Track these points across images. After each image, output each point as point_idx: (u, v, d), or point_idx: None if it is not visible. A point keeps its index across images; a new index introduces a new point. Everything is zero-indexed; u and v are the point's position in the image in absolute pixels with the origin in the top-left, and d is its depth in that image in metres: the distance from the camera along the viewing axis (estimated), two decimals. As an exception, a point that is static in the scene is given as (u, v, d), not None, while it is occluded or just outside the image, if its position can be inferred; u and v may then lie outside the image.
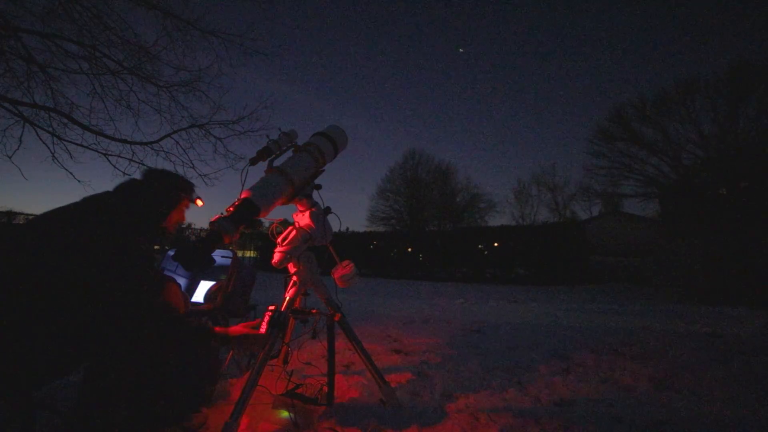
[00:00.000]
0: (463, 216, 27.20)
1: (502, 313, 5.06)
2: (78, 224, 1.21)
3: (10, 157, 4.64)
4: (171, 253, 2.46)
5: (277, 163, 1.71)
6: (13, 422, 1.24)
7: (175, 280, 1.71)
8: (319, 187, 1.85)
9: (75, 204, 1.29)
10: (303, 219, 1.83)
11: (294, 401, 1.71)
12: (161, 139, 5.71)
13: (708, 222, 7.09)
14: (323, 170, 1.90)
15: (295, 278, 1.81)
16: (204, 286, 2.52)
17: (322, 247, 1.90)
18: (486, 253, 11.99)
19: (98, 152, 5.23)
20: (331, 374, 1.76)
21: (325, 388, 1.75)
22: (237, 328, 1.54)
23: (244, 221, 1.43)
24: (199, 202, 1.58)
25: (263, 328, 1.61)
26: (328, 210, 1.88)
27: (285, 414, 1.67)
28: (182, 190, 1.49)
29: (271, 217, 1.66)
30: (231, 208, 1.45)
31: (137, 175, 1.50)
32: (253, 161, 1.66)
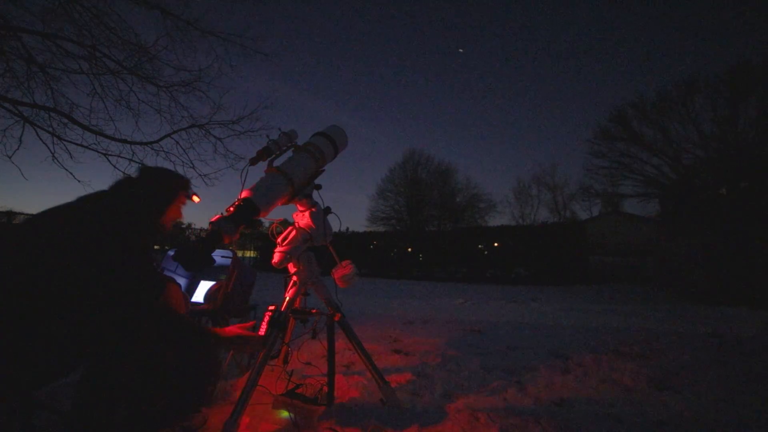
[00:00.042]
0: (463, 216, 27.19)
1: (502, 313, 5.06)
2: (76, 223, 1.21)
3: (10, 157, 4.65)
4: (171, 253, 2.46)
5: (277, 163, 1.71)
6: (13, 422, 1.24)
7: (175, 281, 1.71)
8: (319, 187, 1.85)
9: (70, 204, 1.28)
10: (303, 219, 1.83)
11: (294, 401, 1.71)
12: (161, 139, 5.72)
13: (708, 222, 7.09)
14: (323, 170, 1.90)
15: (295, 278, 1.81)
16: (204, 286, 2.52)
17: (322, 247, 1.90)
18: (486, 253, 12.00)
19: (98, 152, 5.24)
20: (331, 374, 1.76)
21: (325, 388, 1.75)
22: (232, 329, 1.54)
23: (244, 221, 1.43)
24: (196, 198, 1.58)
25: (263, 329, 1.61)
26: (328, 210, 1.88)
27: (285, 414, 1.67)
28: (178, 187, 1.49)
29: (271, 217, 1.66)
30: (231, 208, 1.45)
31: (133, 174, 1.50)
32: (253, 161, 1.66)
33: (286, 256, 1.74)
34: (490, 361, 2.65)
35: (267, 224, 1.80)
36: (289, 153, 1.80)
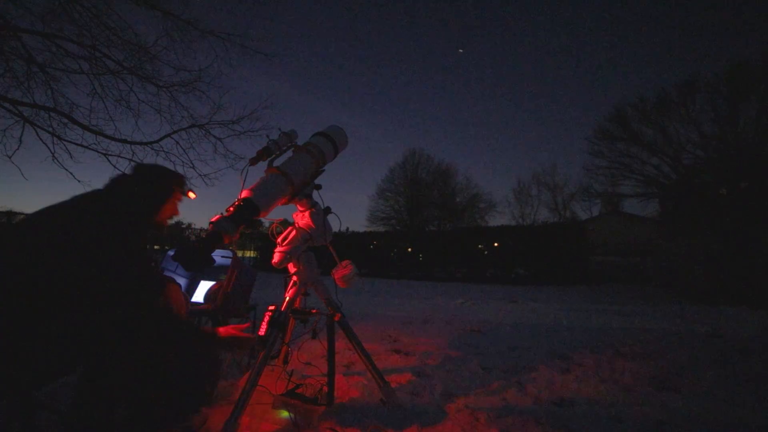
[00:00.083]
0: (463, 216, 27.19)
1: (502, 313, 5.06)
2: (74, 223, 1.21)
3: (10, 157, 4.65)
4: (171, 253, 2.46)
5: (277, 163, 1.71)
6: (13, 422, 1.25)
7: (175, 281, 1.71)
8: (319, 187, 1.85)
9: (65, 203, 1.28)
10: (303, 219, 1.83)
11: (294, 401, 1.71)
12: (161, 139, 5.72)
13: (708, 222, 7.10)
14: (323, 170, 1.90)
15: (295, 278, 1.81)
16: (204, 286, 2.52)
17: (322, 247, 1.90)
18: (486, 253, 12.00)
19: (98, 152, 5.24)
20: (331, 374, 1.76)
21: (325, 388, 1.75)
22: (226, 329, 1.54)
23: (244, 221, 1.43)
24: (192, 195, 1.58)
25: (263, 328, 1.61)
26: (328, 210, 1.88)
27: (285, 414, 1.67)
28: (173, 183, 1.48)
29: (271, 217, 1.66)
30: (231, 208, 1.45)
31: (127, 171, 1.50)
32: (253, 161, 1.66)
33: (286, 256, 1.75)
34: (490, 361, 2.65)
35: (267, 224, 1.80)
36: (289, 153, 1.80)
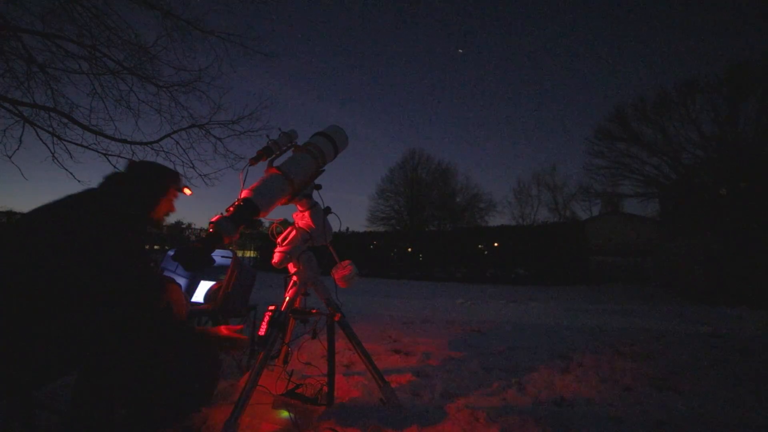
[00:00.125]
0: (463, 216, 27.20)
1: (502, 313, 5.06)
2: (72, 222, 1.21)
3: (10, 157, 4.65)
4: (171, 253, 2.46)
5: (277, 163, 1.71)
6: (13, 422, 1.25)
7: (174, 281, 1.71)
8: (319, 187, 1.85)
9: (60, 202, 1.27)
10: (303, 219, 1.83)
11: (294, 401, 1.71)
12: (161, 139, 5.72)
13: (708, 222, 7.10)
14: (323, 170, 1.90)
15: (295, 278, 1.81)
16: (204, 286, 2.52)
17: (322, 247, 1.90)
18: (486, 253, 12.00)
19: (98, 152, 5.23)
20: (331, 374, 1.76)
21: (325, 388, 1.75)
22: (220, 329, 1.54)
23: (244, 221, 1.43)
24: (187, 191, 1.58)
25: (263, 328, 1.61)
26: (328, 210, 1.88)
27: (285, 414, 1.67)
28: (168, 180, 1.48)
29: (271, 217, 1.66)
30: (231, 208, 1.45)
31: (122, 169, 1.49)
32: (253, 161, 1.66)
33: (286, 256, 1.74)
34: (490, 361, 2.65)
35: (267, 224, 1.80)
36: (289, 153, 1.80)
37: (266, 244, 13.55)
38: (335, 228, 1.95)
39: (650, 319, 4.56)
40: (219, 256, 2.45)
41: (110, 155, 5.29)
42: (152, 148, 5.65)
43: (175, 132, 5.77)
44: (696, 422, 1.72)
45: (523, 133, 57.86)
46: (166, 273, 2.39)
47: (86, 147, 5.15)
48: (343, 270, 1.88)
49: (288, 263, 1.78)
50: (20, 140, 4.70)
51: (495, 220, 27.88)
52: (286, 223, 1.85)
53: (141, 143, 5.55)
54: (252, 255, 16.46)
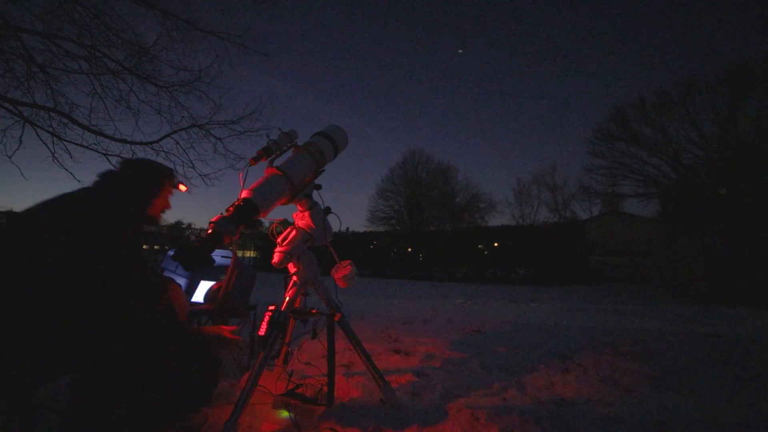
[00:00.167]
0: (463, 216, 27.19)
1: (502, 313, 5.06)
2: (71, 221, 1.20)
3: (10, 157, 4.65)
4: (171, 253, 2.46)
5: (277, 163, 1.71)
6: (13, 422, 1.24)
7: (174, 281, 1.71)
8: (319, 187, 1.85)
9: (53, 201, 1.26)
10: (303, 219, 1.83)
11: (294, 401, 1.71)
12: (161, 139, 5.72)
13: (708, 222, 7.09)
14: (323, 170, 1.90)
15: (295, 278, 1.81)
16: (204, 286, 2.52)
17: (322, 247, 1.90)
18: (486, 253, 11.99)
19: (98, 152, 5.23)
20: (331, 374, 1.76)
21: (325, 388, 1.75)
22: (214, 329, 1.55)
23: (244, 221, 1.43)
24: (182, 187, 1.58)
25: (263, 328, 1.61)
26: (328, 210, 1.88)
27: (285, 414, 1.67)
28: (163, 177, 1.48)
29: (271, 217, 1.66)
30: (231, 208, 1.45)
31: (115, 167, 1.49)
32: (254, 161, 1.66)
33: (286, 256, 1.75)
34: (490, 361, 2.65)
35: (267, 224, 1.80)
36: (289, 153, 1.80)
37: (266, 244, 13.54)
38: (335, 228, 1.95)
39: (650, 319, 4.56)
40: (219, 256, 2.44)
41: (110, 155, 5.29)
42: (152, 148, 5.66)
43: (175, 132, 5.77)
44: (696, 422, 1.72)
45: (523, 133, 57.85)
46: (166, 273, 2.39)
47: (86, 147, 5.15)
48: (343, 270, 1.88)
49: (288, 263, 1.78)
50: (20, 140, 4.70)
51: (495, 220, 27.88)
52: (286, 223, 1.85)
53: (141, 143, 5.55)
54: (252, 255, 16.45)
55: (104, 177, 1.40)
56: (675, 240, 7.91)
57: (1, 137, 4.66)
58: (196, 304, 2.41)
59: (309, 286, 1.84)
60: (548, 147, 56.24)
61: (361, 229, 19.84)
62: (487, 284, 10.38)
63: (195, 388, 1.67)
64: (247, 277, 2.40)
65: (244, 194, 1.51)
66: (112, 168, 1.46)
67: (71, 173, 5.00)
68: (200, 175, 5.88)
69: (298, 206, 1.82)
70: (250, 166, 1.65)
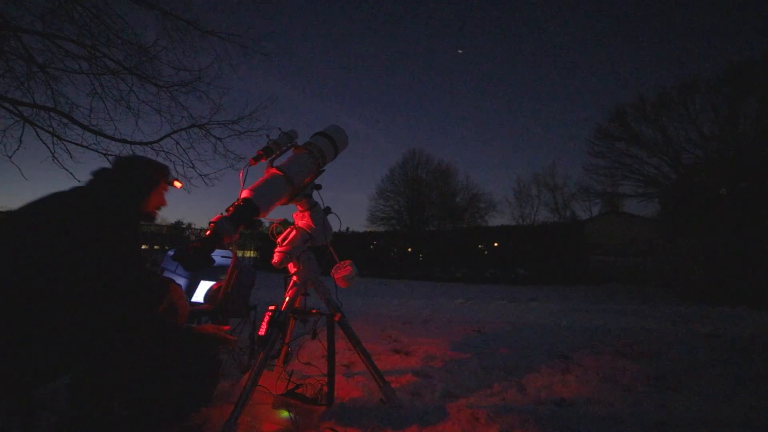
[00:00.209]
0: (463, 216, 27.18)
1: (502, 313, 5.06)
2: (69, 220, 1.20)
3: (10, 157, 4.65)
4: (171, 253, 2.46)
5: (277, 163, 1.71)
6: (13, 422, 1.24)
7: (174, 281, 1.71)
8: (319, 187, 1.86)
9: (47, 200, 1.25)
10: (303, 219, 1.83)
11: (294, 401, 1.71)
12: (161, 139, 5.73)
13: (708, 222, 7.09)
14: (323, 170, 1.90)
15: (295, 278, 1.81)
16: (204, 286, 2.52)
17: (322, 247, 1.90)
18: (486, 253, 11.99)
19: (98, 152, 5.24)
20: (331, 374, 1.76)
21: (325, 388, 1.75)
22: (208, 327, 1.55)
23: (243, 221, 1.43)
24: (177, 184, 1.58)
25: (263, 328, 1.61)
26: (328, 210, 1.88)
27: (285, 414, 1.67)
28: (157, 174, 1.48)
29: (271, 217, 1.66)
30: (231, 208, 1.45)
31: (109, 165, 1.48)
32: (254, 161, 1.66)
33: (286, 256, 1.75)
34: (490, 361, 2.65)
35: (267, 224, 1.80)
36: (289, 153, 1.80)
37: (266, 244, 13.54)
38: (335, 228, 1.96)
39: (650, 319, 4.56)
40: (219, 256, 2.44)
41: (110, 155, 5.29)
42: (152, 148, 5.66)
43: (175, 132, 5.78)
44: (696, 422, 1.72)
45: (523, 133, 57.84)
46: (166, 273, 2.39)
47: (86, 147, 5.16)
48: (343, 270, 1.88)
49: (288, 263, 1.78)
50: (20, 140, 4.70)
51: (495, 220, 27.86)
52: (286, 223, 1.85)
53: (141, 143, 5.56)
54: (252, 255, 16.45)
55: (98, 175, 1.39)
56: (675, 240, 7.91)
57: (1, 137, 4.67)
58: (196, 304, 2.41)
59: (309, 286, 1.84)
60: (548, 147, 56.25)
61: (361, 229, 19.84)
62: (487, 284, 10.37)
63: (195, 388, 1.67)
64: (247, 277, 2.40)
65: (244, 194, 1.51)
66: (102, 166, 1.45)
67: (71, 173, 5.01)
68: (200, 175, 5.90)
69: (298, 206, 1.82)
70: (250, 166, 1.65)
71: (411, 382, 2.19)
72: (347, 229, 16.63)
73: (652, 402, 1.95)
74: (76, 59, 4.87)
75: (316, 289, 1.84)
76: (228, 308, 2.18)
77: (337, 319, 1.81)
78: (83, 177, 4.93)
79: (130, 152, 5.45)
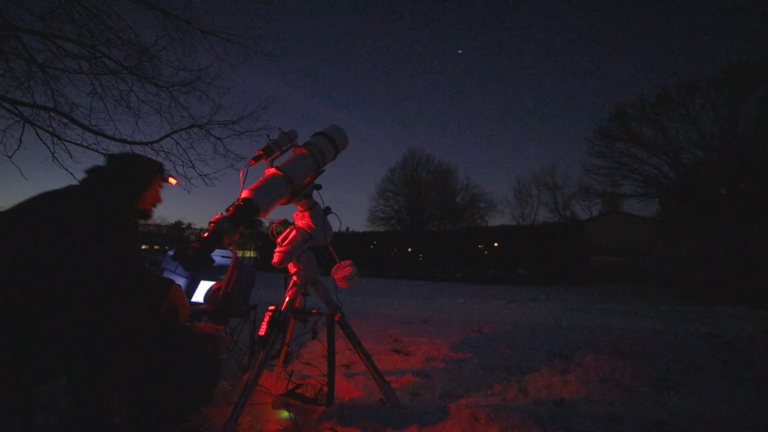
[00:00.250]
0: (463, 216, 27.18)
1: (502, 313, 5.06)
2: (69, 219, 1.19)
3: (10, 157, 4.65)
4: (171, 253, 2.46)
5: (277, 163, 1.71)
6: (13, 422, 1.25)
7: (175, 282, 1.71)
8: (319, 187, 1.86)
9: (41, 198, 1.24)
10: (303, 219, 1.83)
11: (294, 401, 1.71)
12: (161, 139, 5.72)
13: (708, 222, 7.09)
14: (323, 170, 1.90)
15: (295, 278, 1.81)
16: (204, 286, 2.52)
17: (322, 247, 1.90)
18: (486, 253, 12.00)
19: (98, 152, 5.23)
20: (331, 374, 1.76)
21: (325, 388, 1.75)
22: (202, 326, 1.56)
23: (243, 221, 1.43)
24: (172, 180, 1.58)
25: (263, 328, 1.61)
26: (328, 210, 1.88)
27: (285, 414, 1.67)
28: (150, 170, 1.47)
29: (271, 217, 1.66)
30: (231, 208, 1.45)
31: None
32: (254, 161, 1.66)
33: (286, 256, 1.75)
34: (490, 361, 2.65)
35: (267, 224, 1.80)
36: (289, 153, 1.80)
37: (266, 244, 13.54)
38: (335, 228, 1.95)
39: (650, 319, 4.56)
40: (219, 256, 2.44)
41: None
42: (152, 148, 5.66)
43: (175, 132, 5.77)
44: (696, 422, 1.72)
45: (523, 133, 57.84)
46: (166, 273, 2.39)
47: (86, 147, 5.15)
48: (343, 270, 1.88)
49: (288, 263, 1.78)
50: (20, 140, 4.70)
51: (495, 220, 27.87)
52: (286, 223, 1.85)
53: (141, 143, 5.55)
54: (252, 255, 16.46)
55: (91, 173, 1.39)
56: (675, 240, 7.91)
57: (1, 137, 4.66)
58: (196, 304, 2.41)
59: (309, 286, 1.84)
60: (548, 147, 56.25)
61: (361, 229, 19.83)
62: (487, 284, 10.38)
63: (195, 388, 1.67)
64: (247, 277, 2.40)
65: (244, 194, 1.51)
66: (96, 164, 1.44)
67: (71, 173, 5.01)
68: (200, 175, 5.89)
69: (298, 206, 1.83)
70: (250, 166, 1.65)
71: (411, 382, 2.20)
72: (347, 229, 16.63)
73: (652, 402, 1.95)
74: (76, 59, 4.87)
75: (316, 290, 1.84)
76: (228, 308, 2.18)
77: (337, 319, 1.81)
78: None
79: (130, 152, 5.46)
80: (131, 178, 1.42)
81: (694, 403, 1.92)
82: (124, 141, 5.42)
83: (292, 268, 1.80)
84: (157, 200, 1.52)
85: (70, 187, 1.33)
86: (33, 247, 1.13)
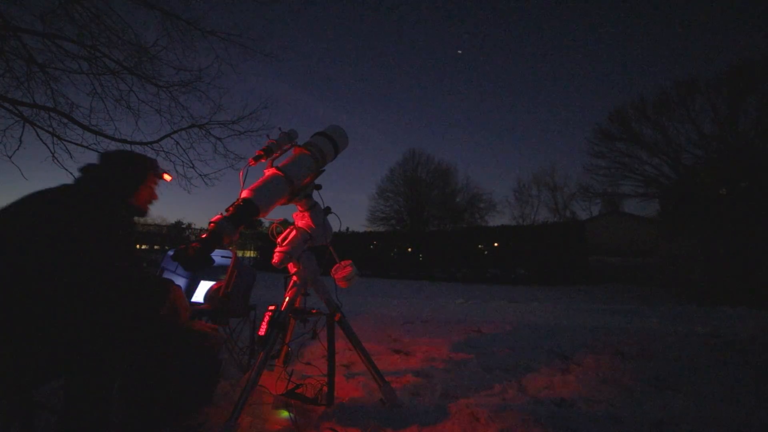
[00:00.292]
0: (463, 216, 27.17)
1: (502, 313, 5.06)
2: (69, 219, 1.19)
3: (10, 157, 4.65)
4: (171, 253, 2.46)
5: (277, 163, 1.71)
6: (13, 422, 1.24)
7: (175, 282, 1.71)
8: (319, 187, 1.86)
9: (37, 198, 1.23)
10: (303, 219, 1.83)
11: (294, 401, 1.71)
12: (161, 139, 5.73)
13: (708, 222, 7.09)
14: (323, 170, 1.90)
15: (295, 278, 1.81)
16: (204, 286, 2.52)
17: (322, 247, 1.90)
18: (486, 253, 12.00)
19: (98, 152, 5.21)
20: (331, 374, 1.76)
21: (325, 388, 1.75)
22: (199, 325, 1.56)
23: (243, 221, 1.43)
24: (167, 177, 1.58)
25: (263, 328, 1.62)
26: (328, 210, 1.88)
27: (285, 414, 1.67)
28: (145, 168, 1.47)
29: (271, 217, 1.66)
30: (231, 208, 1.45)
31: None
32: (254, 161, 1.66)
33: (286, 256, 1.75)
34: (490, 361, 2.65)
35: (267, 224, 1.80)
36: (289, 153, 1.80)
37: (266, 244, 13.54)
38: (335, 228, 1.95)
39: (650, 319, 4.56)
40: (219, 256, 2.44)
41: (110, 155, 5.28)
42: (152, 148, 5.66)
43: (175, 132, 5.78)
44: (696, 422, 1.72)
45: (523, 133, 57.83)
46: (166, 273, 2.39)
47: (86, 147, 5.16)
48: (343, 270, 1.88)
49: (288, 263, 1.78)
50: (20, 140, 4.70)
51: (495, 220, 27.83)
52: (286, 223, 1.85)
53: (141, 143, 5.56)
54: (252, 255, 16.45)
55: (85, 171, 1.38)
56: (675, 240, 7.91)
57: (1, 137, 4.66)
58: (196, 304, 2.41)
59: (309, 286, 1.84)
60: (548, 147, 56.21)
61: (361, 229, 19.85)
62: (487, 284, 10.38)
63: (195, 388, 1.67)
64: (247, 277, 2.40)
65: (244, 194, 1.51)
66: (89, 162, 1.44)
67: (71, 173, 5.01)
68: (200, 175, 5.90)
69: (298, 206, 1.83)
70: (250, 166, 1.65)
71: (411, 382, 2.20)
72: (347, 229, 16.64)
73: (652, 402, 1.95)
74: (76, 59, 4.88)
75: (316, 290, 1.84)
76: (228, 308, 2.18)
77: (337, 319, 1.81)
78: (83, 177, 4.94)
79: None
80: (125, 175, 1.41)
81: (694, 403, 1.91)
82: (124, 141, 5.42)
83: (292, 268, 1.80)
84: (153, 197, 1.52)
85: (64, 186, 1.33)
86: (27, 246, 1.13)
